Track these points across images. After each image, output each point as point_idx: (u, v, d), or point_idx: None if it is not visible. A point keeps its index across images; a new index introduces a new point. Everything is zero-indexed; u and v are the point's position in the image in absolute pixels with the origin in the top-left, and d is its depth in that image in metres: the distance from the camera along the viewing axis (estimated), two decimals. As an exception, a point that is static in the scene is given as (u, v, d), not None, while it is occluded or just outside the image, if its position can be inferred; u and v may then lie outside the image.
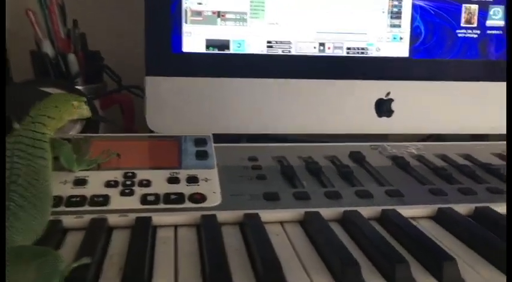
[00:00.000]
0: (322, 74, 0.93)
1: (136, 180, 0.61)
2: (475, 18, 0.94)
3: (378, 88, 0.94)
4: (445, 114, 0.96)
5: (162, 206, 0.57)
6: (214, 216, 0.55)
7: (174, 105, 0.87)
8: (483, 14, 0.94)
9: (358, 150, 0.79)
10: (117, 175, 0.62)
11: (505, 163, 0.78)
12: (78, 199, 0.56)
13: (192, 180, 0.63)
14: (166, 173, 0.64)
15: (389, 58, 0.94)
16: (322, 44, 0.92)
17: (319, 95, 0.92)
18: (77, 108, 0.65)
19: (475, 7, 0.94)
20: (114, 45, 1.08)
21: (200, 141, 0.74)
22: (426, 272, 0.46)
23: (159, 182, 0.62)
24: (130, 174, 0.63)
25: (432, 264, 0.46)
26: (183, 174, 0.64)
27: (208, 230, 0.51)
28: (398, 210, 0.58)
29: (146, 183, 0.61)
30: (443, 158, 0.80)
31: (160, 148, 0.71)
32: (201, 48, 0.89)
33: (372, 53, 0.94)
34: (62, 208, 0.54)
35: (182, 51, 0.88)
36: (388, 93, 0.94)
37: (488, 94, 0.95)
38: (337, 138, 0.94)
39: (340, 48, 0.93)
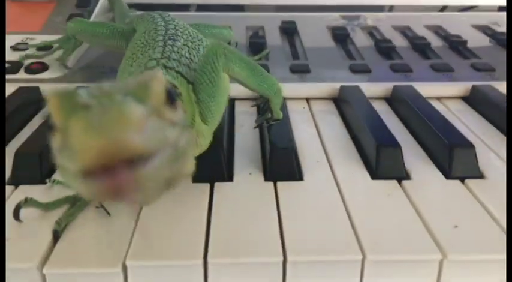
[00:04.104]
0: None
1: (-26, 46, 0.50)
2: None
3: None
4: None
5: (-13, 76, 0.46)
6: (37, 89, 0.44)
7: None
8: None
9: (291, 20, 0.63)
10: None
11: (485, 36, 0.59)
12: None
13: (45, 47, 0.51)
14: (17, 39, 0.52)
15: None
16: None
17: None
18: None
19: None
20: None
21: (83, 3, 0.60)
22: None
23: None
24: (-29, 39, 0.51)
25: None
26: (38, 40, 0.52)
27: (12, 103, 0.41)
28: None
29: (-17, 50, 0.50)
30: (403, 30, 0.61)
31: (31, 10, 0.58)
32: None
33: None
34: None
35: None
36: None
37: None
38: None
39: None
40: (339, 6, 0.75)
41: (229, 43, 0.55)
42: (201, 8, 0.79)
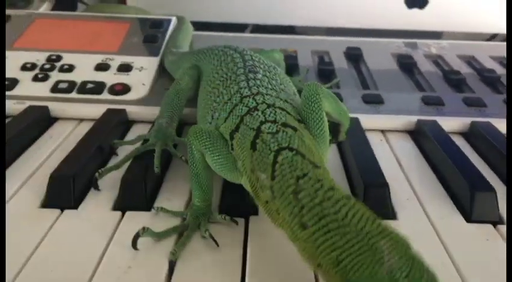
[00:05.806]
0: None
1: (58, 64, 0.52)
2: None
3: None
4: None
5: (74, 95, 0.48)
6: (124, 111, 0.45)
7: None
8: None
9: (357, 46, 0.63)
10: (39, 57, 0.53)
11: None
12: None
13: (124, 68, 0.52)
14: (98, 59, 0.54)
15: None
16: None
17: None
18: None
19: None
20: None
21: (156, 25, 0.62)
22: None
23: (85, 68, 0.52)
24: (54, 57, 0.54)
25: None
26: (117, 60, 0.54)
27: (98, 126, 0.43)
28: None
29: (68, 68, 0.52)
30: (468, 60, 0.62)
31: (107, 30, 0.60)
32: None
33: None
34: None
35: None
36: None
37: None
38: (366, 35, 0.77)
39: None
40: (393, 31, 0.76)
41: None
42: (255, 29, 0.81)
